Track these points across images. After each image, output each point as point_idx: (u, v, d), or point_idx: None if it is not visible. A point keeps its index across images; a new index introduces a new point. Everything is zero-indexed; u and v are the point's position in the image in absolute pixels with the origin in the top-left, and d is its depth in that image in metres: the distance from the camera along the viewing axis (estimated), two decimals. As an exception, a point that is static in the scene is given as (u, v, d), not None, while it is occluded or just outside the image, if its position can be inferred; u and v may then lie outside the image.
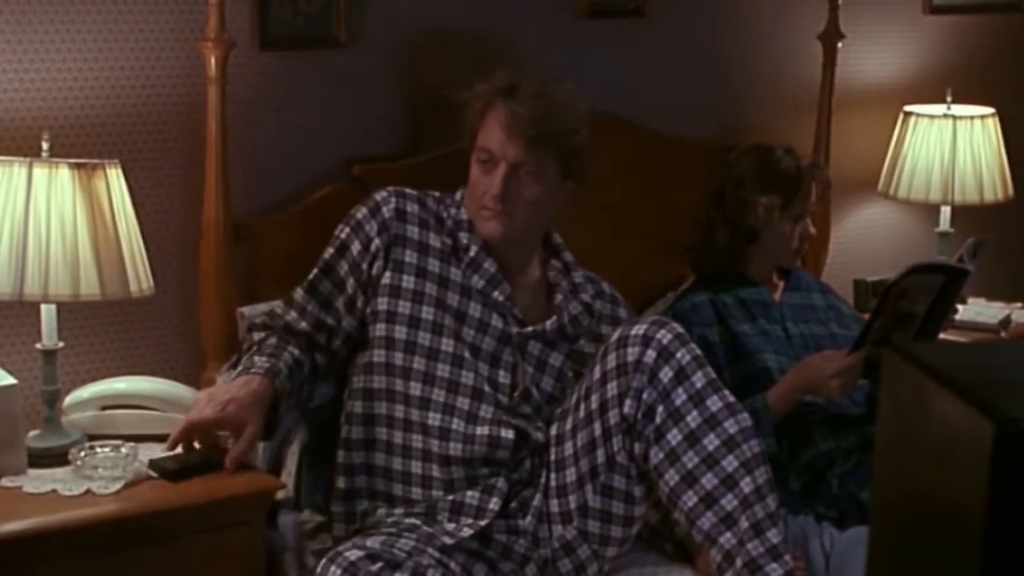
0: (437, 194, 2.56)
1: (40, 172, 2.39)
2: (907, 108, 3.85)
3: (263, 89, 2.96)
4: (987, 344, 3.07)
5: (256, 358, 2.40)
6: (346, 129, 3.08)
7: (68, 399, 2.60)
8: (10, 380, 2.41)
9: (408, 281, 2.45)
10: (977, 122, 3.77)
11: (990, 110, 3.82)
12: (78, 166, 2.41)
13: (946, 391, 1.06)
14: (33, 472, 2.42)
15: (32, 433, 2.50)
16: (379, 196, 2.51)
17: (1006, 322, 3.70)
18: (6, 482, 2.38)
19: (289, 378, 2.39)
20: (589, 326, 2.56)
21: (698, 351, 2.33)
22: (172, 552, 2.34)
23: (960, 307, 3.67)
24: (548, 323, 2.50)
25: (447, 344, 2.42)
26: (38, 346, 2.50)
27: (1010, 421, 0.99)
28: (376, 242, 2.46)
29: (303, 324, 2.48)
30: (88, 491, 2.35)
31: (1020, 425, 0.99)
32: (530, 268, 2.57)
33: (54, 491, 2.35)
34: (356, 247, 2.47)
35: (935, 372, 1.09)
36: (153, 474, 2.39)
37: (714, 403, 2.27)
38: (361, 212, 2.50)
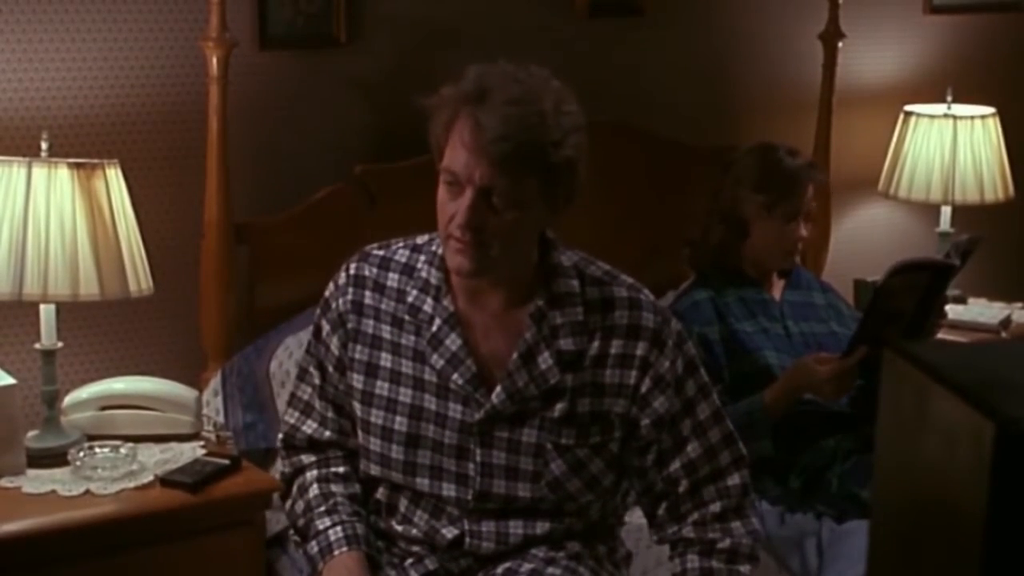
0: (420, 240, 2.16)
1: (39, 172, 2.39)
2: (907, 108, 3.85)
3: (264, 89, 2.96)
4: (987, 344, 3.07)
5: (327, 527, 2.12)
6: (347, 129, 3.08)
7: (67, 399, 2.59)
8: (9, 380, 2.41)
9: (363, 352, 2.12)
10: (977, 122, 3.77)
11: (990, 110, 3.82)
12: (77, 166, 2.41)
13: (946, 391, 1.06)
14: (32, 472, 2.42)
15: (31, 433, 2.50)
16: (344, 265, 2.18)
17: (1006, 322, 3.70)
18: (5, 482, 2.37)
19: (359, 522, 2.14)
20: (580, 379, 2.08)
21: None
22: (171, 552, 2.35)
23: (960, 307, 3.68)
24: (495, 396, 2.06)
25: (400, 423, 2.10)
26: (37, 346, 2.49)
27: (1010, 421, 0.99)
28: (337, 315, 2.15)
29: (327, 434, 2.18)
30: (87, 491, 2.35)
31: (1020, 425, 0.99)
32: (513, 292, 2.10)
33: (53, 491, 2.35)
34: (326, 328, 2.16)
35: (935, 372, 1.08)
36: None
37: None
38: (329, 289, 2.18)
